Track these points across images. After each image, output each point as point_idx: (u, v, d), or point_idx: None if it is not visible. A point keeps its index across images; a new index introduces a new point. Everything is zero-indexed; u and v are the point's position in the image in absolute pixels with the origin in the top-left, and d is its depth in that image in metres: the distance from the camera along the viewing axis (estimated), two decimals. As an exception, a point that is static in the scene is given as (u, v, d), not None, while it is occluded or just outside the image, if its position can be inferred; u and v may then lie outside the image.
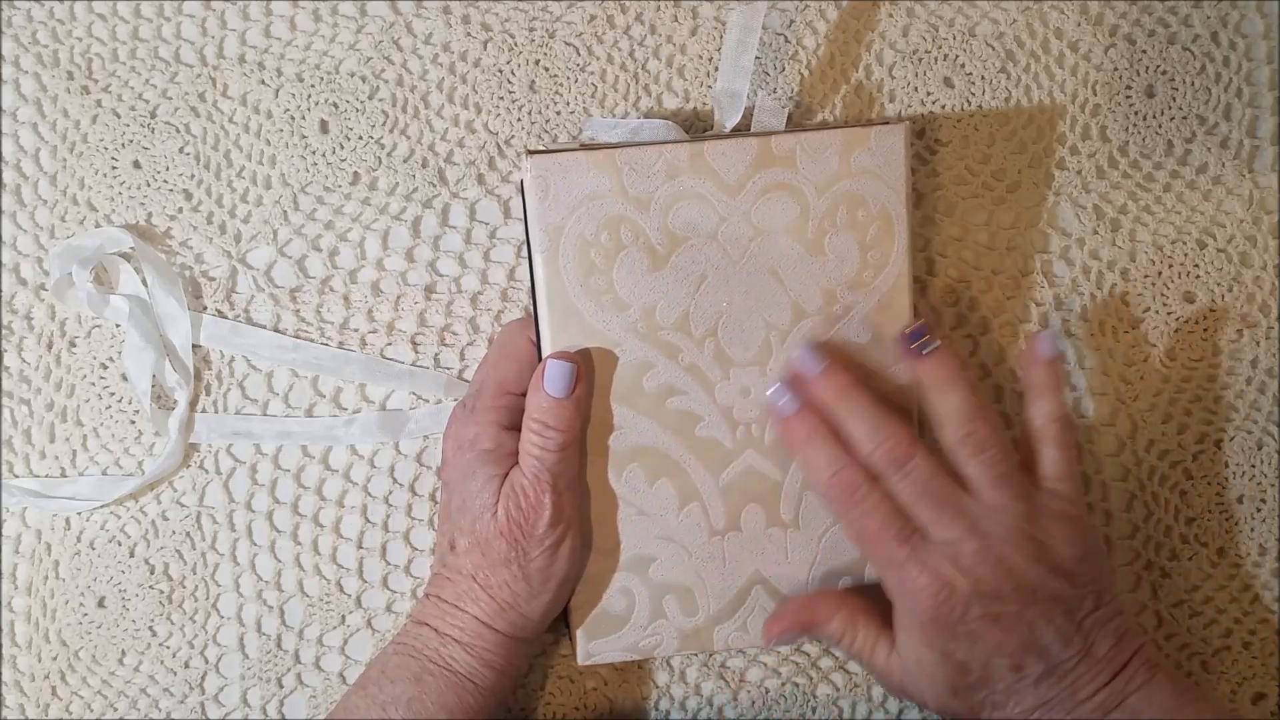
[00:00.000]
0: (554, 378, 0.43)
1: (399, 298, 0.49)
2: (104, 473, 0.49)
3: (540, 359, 0.44)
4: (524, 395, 0.44)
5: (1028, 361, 0.44)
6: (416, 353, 0.49)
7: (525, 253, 0.47)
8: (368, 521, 0.49)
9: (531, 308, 0.45)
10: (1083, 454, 0.49)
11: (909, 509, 0.42)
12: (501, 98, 0.49)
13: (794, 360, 0.44)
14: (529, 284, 0.45)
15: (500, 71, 0.49)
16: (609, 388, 0.44)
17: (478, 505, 0.43)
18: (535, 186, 0.43)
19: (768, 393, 0.44)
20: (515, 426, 0.44)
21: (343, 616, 0.49)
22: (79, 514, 0.49)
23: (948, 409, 0.42)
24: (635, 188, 0.44)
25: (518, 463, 0.43)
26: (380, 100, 0.49)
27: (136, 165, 0.49)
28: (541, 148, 0.45)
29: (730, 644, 0.47)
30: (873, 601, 0.44)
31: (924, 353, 0.43)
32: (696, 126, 0.49)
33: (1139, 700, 0.41)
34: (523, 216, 0.44)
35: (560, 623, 0.49)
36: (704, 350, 0.44)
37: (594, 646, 0.46)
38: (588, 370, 0.44)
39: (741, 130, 0.46)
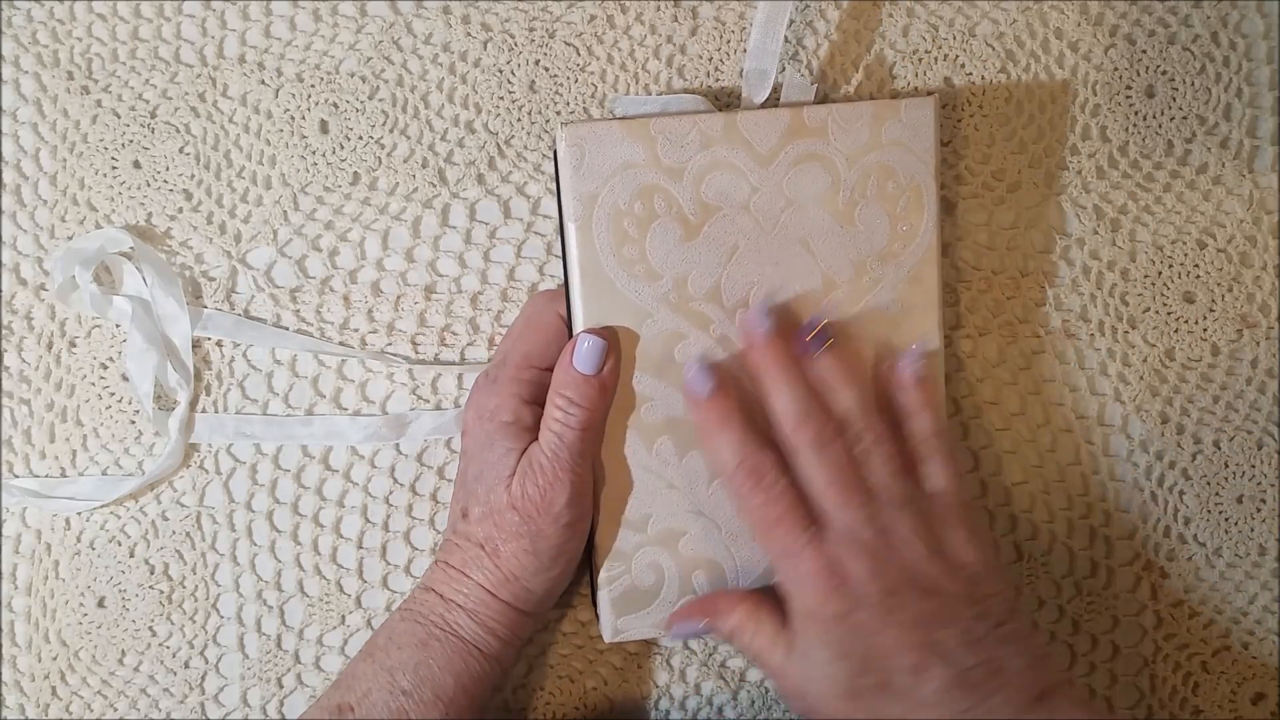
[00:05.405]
0: (584, 354, 0.43)
1: (399, 298, 0.49)
2: (104, 473, 0.49)
3: (569, 332, 0.44)
4: (548, 370, 0.44)
5: (896, 387, 0.44)
6: (417, 353, 0.49)
7: (558, 226, 0.47)
8: (368, 522, 0.49)
9: (563, 279, 0.45)
10: (1083, 453, 0.49)
11: (816, 496, 0.41)
12: (501, 98, 0.49)
13: (740, 322, 0.44)
14: (560, 255, 0.45)
15: (500, 71, 0.49)
16: (640, 362, 0.44)
17: (493, 476, 0.43)
18: (570, 156, 0.43)
19: (686, 375, 0.44)
20: (536, 400, 0.44)
21: (343, 616, 0.49)
22: (79, 514, 0.49)
23: (841, 409, 0.42)
24: (669, 157, 0.44)
25: (537, 438, 0.43)
26: (380, 100, 0.49)
27: (136, 165, 0.49)
28: (574, 119, 0.45)
29: None
30: (777, 602, 0.42)
31: (816, 349, 0.43)
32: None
33: None
34: (555, 189, 0.45)
35: (558, 619, 0.49)
36: (735, 321, 0.44)
37: (623, 623, 0.46)
38: (617, 349, 0.44)
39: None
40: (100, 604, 0.49)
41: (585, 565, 0.47)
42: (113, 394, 0.49)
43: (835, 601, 0.40)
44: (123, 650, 0.49)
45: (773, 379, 0.43)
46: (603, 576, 0.45)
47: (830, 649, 0.40)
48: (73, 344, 0.49)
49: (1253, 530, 0.50)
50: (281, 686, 0.49)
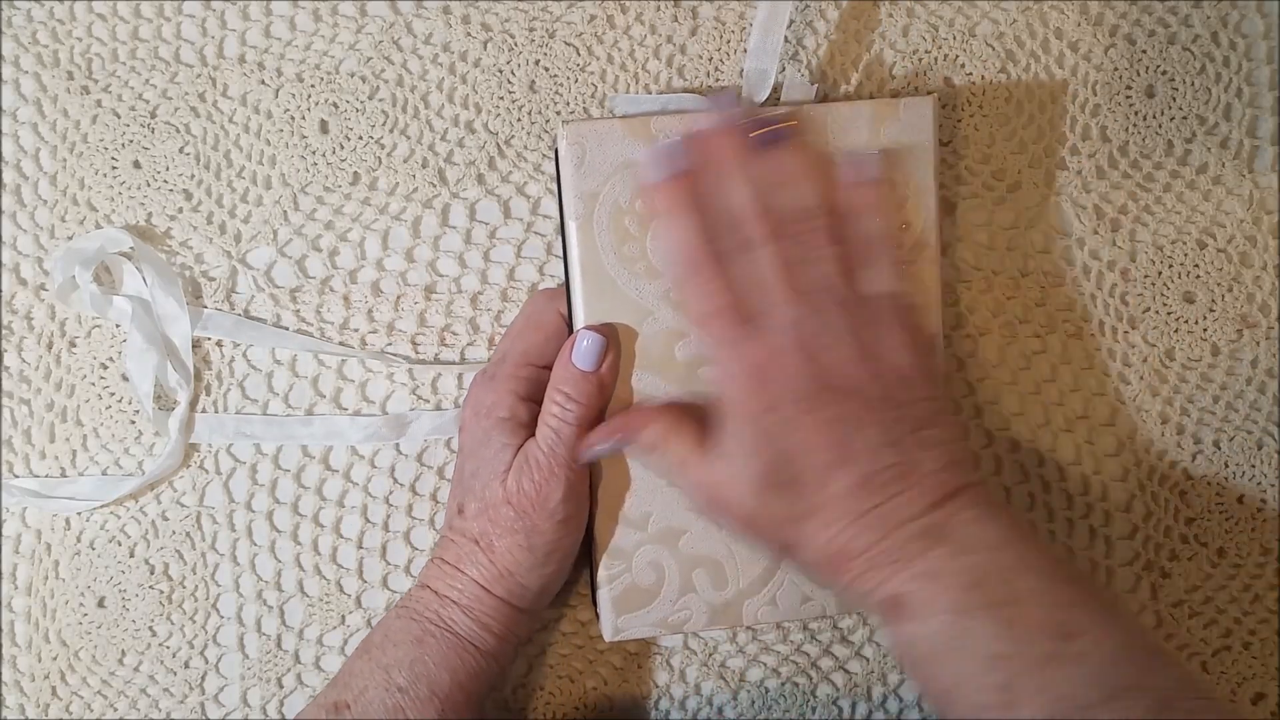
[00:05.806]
0: (584, 350, 0.43)
1: (399, 298, 0.49)
2: (104, 473, 0.49)
3: (569, 330, 0.44)
4: (546, 367, 0.44)
5: (846, 185, 0.42)
6: (417, 353, 0.49)
7: (558, 226, 0.47)
8: (368, 522, 0.49)
9: (564, 278, 0.45)
10: (1082, 454, 0.49)
11: (755, 293, 0.40)
12: (501, 98, 0.49)
13: (711, 99, 0.42)
14: (561, 254, 0.45)
15: (500, 71, 0.49)
16: (640, 359, 0.44)
17: (489, 472, 0.43)
18: (571, 154, 0.43)
19: (643, 156, 0.42)
20: (534, 398, 0.44)
21: (343, 616, 0.49)
22: (79, 514, 0.49)
23: (791, 206, 0.41)
24: None
25: (533, 434, 0.43)
26: (380, 100, 0.49)
27: (136, 165, 0.49)
28: (575, 118, 0.45)
29: (759, 619, 0.46)
30: (696, 411, 0.42)
31: (769, 144, 0.41)
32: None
33: (967, 534, 0.38)
34: (555, 188, 0.45)
35: (558, 619, 0.49)
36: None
37: (623, 622, 0.46)
38: (617, 346, 0.44)
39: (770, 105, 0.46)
40: (100, 604, 0.49)
41: (584, 564, 0.47)
42: (113, 394, 0.49)
43: (759, 397, 0.39)
44: (123, 650, 0.49)
45: (724, 170, 0.41)
46: (603, 575, 0.45)
47: (749, 444, 0.39)
48: (73, 344, 0.49)
49: (1253, 530, 0.50)
50: (281, 686, 0.49)
